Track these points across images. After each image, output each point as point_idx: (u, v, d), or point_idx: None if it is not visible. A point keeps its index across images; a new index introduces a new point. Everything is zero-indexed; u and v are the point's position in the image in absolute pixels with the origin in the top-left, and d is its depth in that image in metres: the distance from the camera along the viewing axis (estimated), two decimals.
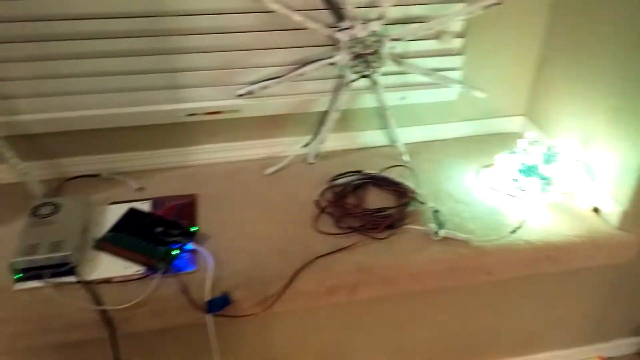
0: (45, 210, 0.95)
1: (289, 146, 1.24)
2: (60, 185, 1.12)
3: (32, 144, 1.11)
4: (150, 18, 1.01)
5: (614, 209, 1.04)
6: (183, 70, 1.09)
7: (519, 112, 1.35)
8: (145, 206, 1.05)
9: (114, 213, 1.00)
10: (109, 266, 0.90)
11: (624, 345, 1.30)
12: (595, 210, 1.08)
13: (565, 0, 1.14)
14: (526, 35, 1.23)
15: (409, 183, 1.13)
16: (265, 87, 1.12)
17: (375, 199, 1.10)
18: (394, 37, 1.11)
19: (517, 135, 1.27)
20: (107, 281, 0.88)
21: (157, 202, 1.07)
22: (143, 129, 1.14)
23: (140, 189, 1.12)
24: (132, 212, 1.00)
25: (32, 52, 1.00)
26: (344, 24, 1.08)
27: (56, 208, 0.96)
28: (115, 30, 1.01)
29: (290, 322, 1.01)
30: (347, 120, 1.24)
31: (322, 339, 1.06)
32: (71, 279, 0.87)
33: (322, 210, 1.06)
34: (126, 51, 1.04)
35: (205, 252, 0.93)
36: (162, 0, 1.00)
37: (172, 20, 1.03)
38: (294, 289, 0.90)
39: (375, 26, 1.08)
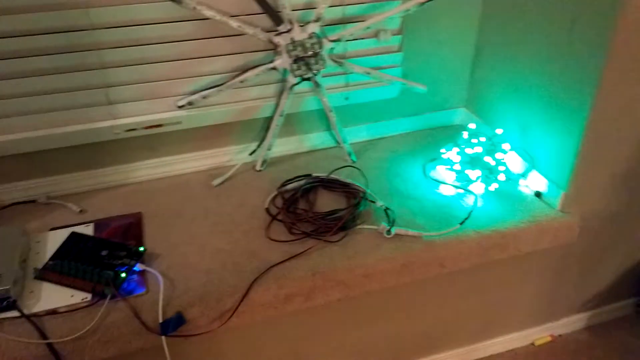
0: None
1: (236, 155, 1.22)
2: None
3: None
4: (76, 32, 0.97)
5: (554, 192, 1.08)
6: (117, 85, 1.05)
7: (460, 105, 1.38)
8: (88, 229, 1.00)
9: (55, 239, 0.96)
10: (54, 296, 0.86)
11: (572, 321, 1.36)
12: (538, 194, 1.12)
13: None
14: (461, 28, 1.26)
15: (359, 183, 1.14)
16: (206, 97, 1.10)
17: (326, 201, 1.10)
18: (332, 38, 1.11)
19: (460, 127, 1.30)
20: (52, 312, 0.84)
21: (100, 224, 1.03)
22: (80, 149, 1.10)
23: (82, 211, 1.07)
24: (74, 237, 0.95)
25: None
26: (282, 28, 1.07)
27: None
28: (41, 47, 0.96)
29: (248, 336, 1.00)
30: (293, 124, 1.24)
31: (281, 348, 1.05)
32: (13, 313, 0.83)
33: (274, 218, 1.05)
34: (53, 69, 0.99)
35: (154, 272, 0.90)
36: (88, 14, 0.96)
37: (101, 33, 0.98)
38: (249, 301, 0.89)
39: (314, 28, 1.08)
